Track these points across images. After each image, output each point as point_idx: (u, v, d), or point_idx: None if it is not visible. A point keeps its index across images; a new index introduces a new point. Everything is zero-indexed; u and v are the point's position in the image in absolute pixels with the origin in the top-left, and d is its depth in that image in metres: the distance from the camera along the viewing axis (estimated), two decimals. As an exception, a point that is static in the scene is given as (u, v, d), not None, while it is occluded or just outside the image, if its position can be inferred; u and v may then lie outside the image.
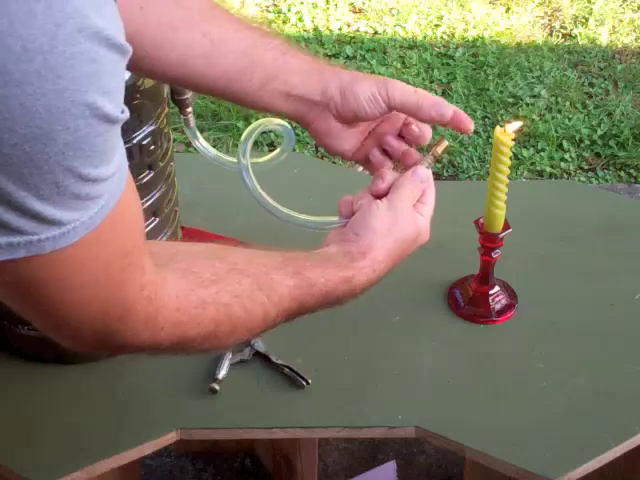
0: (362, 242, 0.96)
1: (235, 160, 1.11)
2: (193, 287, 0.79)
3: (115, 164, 0.62)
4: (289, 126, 1.12)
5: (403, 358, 1.20)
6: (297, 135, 2.77)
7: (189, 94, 1.13)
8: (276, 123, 1.12)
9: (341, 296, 0.95)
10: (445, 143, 1.05)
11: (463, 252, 1.31)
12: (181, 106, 1.15)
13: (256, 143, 2.73)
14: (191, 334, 0.80)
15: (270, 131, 1.15)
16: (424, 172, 1.02)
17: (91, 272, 0.66)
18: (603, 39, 3.27)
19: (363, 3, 3.45)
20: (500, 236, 1.21)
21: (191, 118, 1.17)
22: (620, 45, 3.26)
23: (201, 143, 1.19)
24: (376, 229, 0.97)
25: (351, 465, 1.79)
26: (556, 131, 2.79)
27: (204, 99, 2.86)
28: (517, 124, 1.13)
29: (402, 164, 1.03)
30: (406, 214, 0.99)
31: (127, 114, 0.62)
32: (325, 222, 1.06)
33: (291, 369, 1.16)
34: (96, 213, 0.62)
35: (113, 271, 0.68)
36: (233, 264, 0.85)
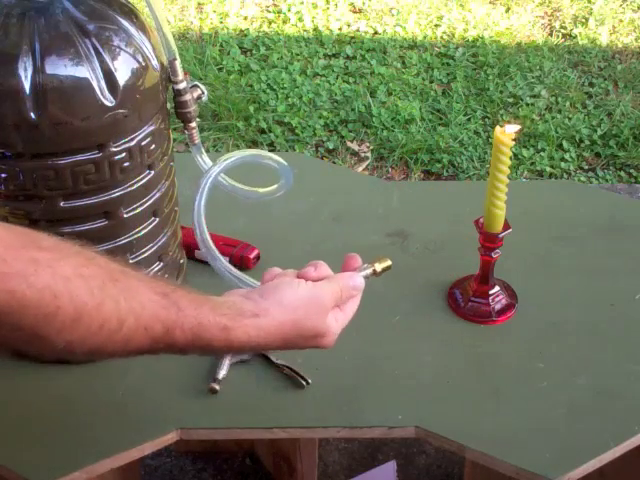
0: (260, 305, 0.90)
1: (236, 184, 1.11)
2: (24, 244, 0.69)
3: None
4: (286, 164, 1.12)
5: (403, 358, 1.20)
6: (296, 135, 2.77)
7: (192, 107, 1.12)
8: (274, 160, 1.11)
9: (215, 343, 0.86)
10: (388, 262, 1.06)
11: (463, 252, 1.31)
12: (184, 120, 1.13)
13: (255, 143, 2.73)
14: (20, 293, 0.69)
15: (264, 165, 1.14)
16: (360, 281, 1.00)
17: None
18: (603, 39, 3.27)
19: (363, 3, 3.45)
20: (500, 236, 1.21)
21: (195, 134, 1.14)
22: (620, 45, 3.25)
23: (204, 160, 1.16)
24: (282, 301, 0.91)
25: (351, 465, 1.79)
26: (556, 131, 2.79)
27: (204, 99, 2.86)
28: (515, 127, 1.13)
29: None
30: (321, 307, 0.94)
31: None
32: (243, 279, 1.03)
33: (291, 369, 1.16)
34: None
35: None
36: (81, 250, 0.75)
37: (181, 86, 1.10)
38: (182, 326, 0.83)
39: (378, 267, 1.06)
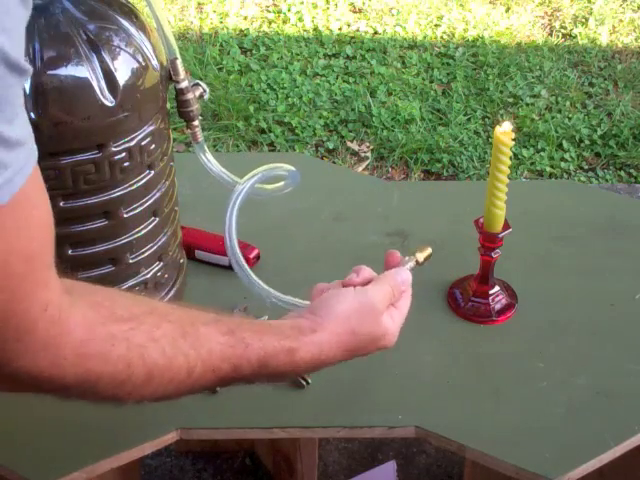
0: (316, 320, 0.90)
1: (238, 179, 1.12)
2: (103, 320, 0.71)
3: (21, 131, 0.58)
4: (294, 169, 1.14)
5: (403, 358, 1.20)
6: (296, 135, 2.77)
7: (194, 106, 1.12)
8: (284, 169, 1.15)
9: (282, 368, 0.86)
10: (429, 250, 1.04)
11: (463, 252, 1.31)
12: (187, 118, 1.13)
13: (255, 143, 2.73)
14: (97, 371, 0.71)
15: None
16: (407, 275, 0.99)
17: None
18: (603, 39, 3.27)
19: (363, 3, 3.45)
20: (500, 236, 1.21)
21: (198, 132, 1.14)
22: (620, 45, 3.26)
23: (208, 159, 1.16)
24: (337, 312, 0.91)
25: (351, 465, 1.79)
26: (556, 131, 2.79)
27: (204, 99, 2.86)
28: (509, 125, 1.13)
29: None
30: (376, 310, 0.93)
31: (29, 69, 0.58)
32: (294, 302, 1.03)
33: (291, 369, 1.16)
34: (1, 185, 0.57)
35: (13, 275, 0.61)
36: (153, 308, 0.77)
37: (183, 85, 1.10)
38: (249, 359, 0.83)
39: (420, 257, 1.04)
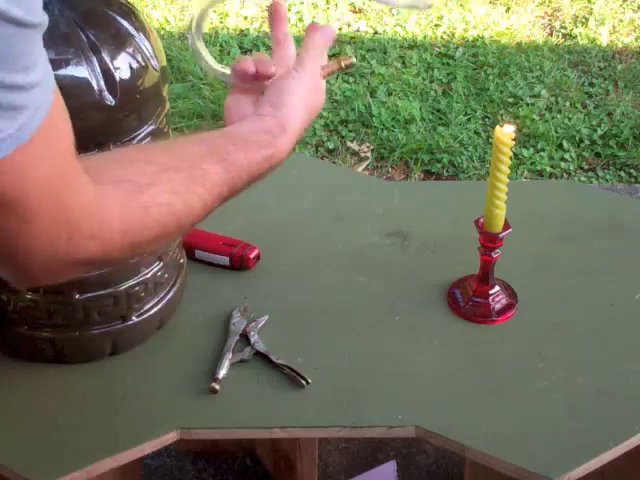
0: (282, 116, 0.97)
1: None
2: (132, 194, 0.80)
3: (37, 74, 0.64)
4: None
5: (403, 358, 1.20)
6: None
7: None
8: None
9: (263, 173, 0.97)
10: (352, 59, 1.05)
11: (463, 252, 1.31)
12: None
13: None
14: (139, 239, 0.82)
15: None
16: (329, 31, 1.03)
17: (33, 190, 0.68)
18: (603, 39, 3.27)
19: (363, 3, 3.45)
20: (500, 236, 1.21)
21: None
22: (620, 45, 3.25)
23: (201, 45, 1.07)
24: (295, 105, 0.98)
25: (351, 465, 1.79)
26: (556, 131, 2.79)
27: (204, 99, 2.86)
28: (511, 127, 1.13)
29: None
30: (320, 83, 1.01)
31: (43, 20, 0.64)
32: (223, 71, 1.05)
33: (291, 369, 1.16)
34: (24, 123, 0.64)
35: (53, 190, 0.70)
36: (163, 164, 0.86)
37: None
38: (240, 177, 0.93)
39: (342, 63, 1.03)
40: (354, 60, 1.05)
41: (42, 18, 0.64)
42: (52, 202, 0.70)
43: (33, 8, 0.63)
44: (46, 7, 0.98)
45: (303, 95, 0.98)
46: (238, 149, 0.93)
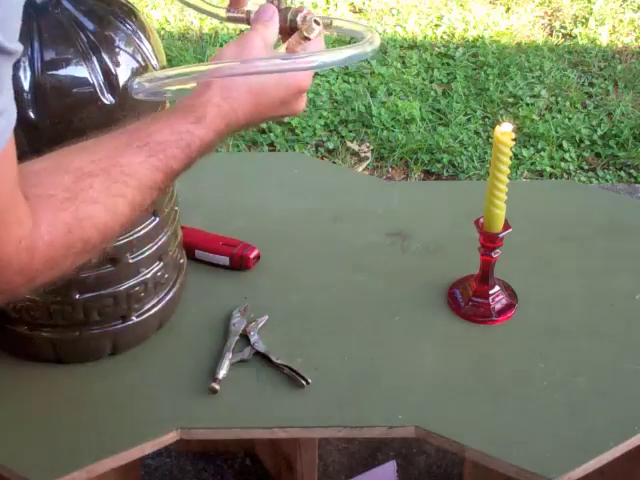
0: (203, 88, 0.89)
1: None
2: (55, 212, 0.76)
3: (3, 101, 0.64)
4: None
5: (403, 358, 1.20)
6: (296, 135, 2.77)
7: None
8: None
9: (205, 139, 0.87)
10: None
11: (463, 252, 1.31)
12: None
13: (255, 143, 2.73)
14: (63, 262, 0.78)
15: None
16: (270, 10, 0.95)
17: None
18: (603, 39, 3.27)
19: (363, 3, 3.45)
20: (500, 236, 1.21)
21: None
22: (620, 45, 3.25)
23: None
24: (220, 57, 0.90)
25: (351, 465, 1.79)
26: (556, 131, 2.79)
27: (204, 99, 2.86)
28: (509, 126, 1.13)
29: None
30: (256, 43, 0.91)
31: (18, 50, 0.63)
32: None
33: (291, 369, 1.16)
34: None
35: None
36: (79, 171, 0.80)
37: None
38: (174, 156, 0.85)
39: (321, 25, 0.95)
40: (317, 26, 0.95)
41: (18, 48, 0.63)
42: None
43: (12, 36, 0.62)
44: (47, 7, 0.98)
45: (234, 54, 0.89)
46: (160, 126, 0.85)
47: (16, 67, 0.95)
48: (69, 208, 0.77)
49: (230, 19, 1.00)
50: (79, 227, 0.78)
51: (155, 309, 1.19)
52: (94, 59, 0.99)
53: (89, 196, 0.79)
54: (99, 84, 0.99)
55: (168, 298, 1.21)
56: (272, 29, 0.95)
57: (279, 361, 1.17)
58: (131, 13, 1.06)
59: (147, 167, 0.83)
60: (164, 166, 0.84)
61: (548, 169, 2.68)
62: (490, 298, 1.26)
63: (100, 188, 0.80)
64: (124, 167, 0.82)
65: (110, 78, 1.00)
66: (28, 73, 0.96)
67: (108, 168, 0.81)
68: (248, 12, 0.99)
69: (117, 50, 1.01)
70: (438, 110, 2.88)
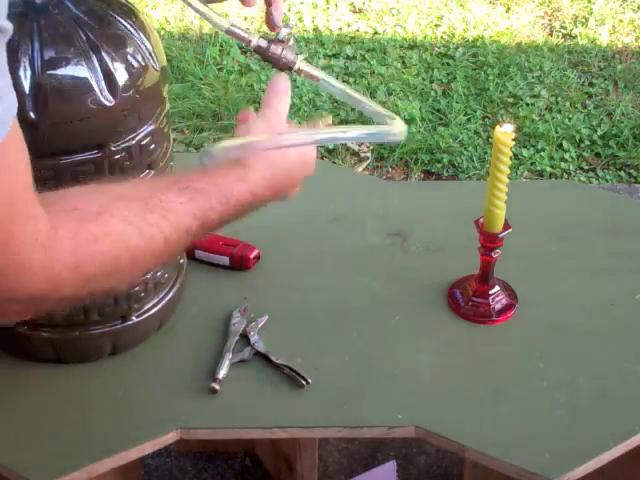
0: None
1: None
2: (82, 224, 0.76)
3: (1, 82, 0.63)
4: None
5: (403, 358, 1.20)
6: (297, 135, 2.76)
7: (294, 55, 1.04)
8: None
9: (242, 199, 0.90)
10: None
11: (463, 252, 1.31)
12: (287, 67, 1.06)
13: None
14: (89, 273, 0.76)
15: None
16: (283, 81, 1.04)
17: None
18: (603, 39, 3.27)
19: (363, 3, 3.45)
20: (500, 236, 1.21)
21: (307, 67, 1.06)
22: (620, 45, 3.25)
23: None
24: (249, 132, 0.96)
25: (351, 465, 1.79)
26: (556, 131, 2.79)
27: (204, 99, 2.86)
28: (510, 126, 1.13)
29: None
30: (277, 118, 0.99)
31: (6, 27, 0.62)
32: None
33: (291, 369, 1.16)
34: None
35: (3, 220, 0.67)
36: (116, 193, 0.81)
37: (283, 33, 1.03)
38: (212, 207, 0.86)
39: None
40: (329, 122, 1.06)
41: (8, 26, 0.62)
42: (1, 232, 0.67)
43: (1, 13, 0.62)
44: (47, 7, 0.98)
45: (264, 130, 0.95)
46: (202, 175, 0.87)
47: (16, 67, 0.96)
48: (97, 220, 0.76)
49: (230, 32, 1.00)
50: (107, 241, 0.77)
51: (155, 309, 1.19)
52: (94, 59, 0.99)
53: (122, 215, 0.78)
54: (99, 84, 0.99)
55: (168, 298, 1.21)
56: (286, 101, 1.04)
57: (279, 361, 1.17)
58: (131, 13, 1.06)
59: (186, 210, 0.84)
60: (202, 215, 0.85)
61: (548, 169, 2.67)
62: (490, 298, 1.26)
63: (136, 212, 0.79)
64: (164, 202, 0.82)
65: (110, 78, 1.00)
66: (28, 73, 0.96)
67: (147, 199, 0.81)
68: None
69: (117, 50, 1.01)
70: (438, 110, 2.88)
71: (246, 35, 1.01)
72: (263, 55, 1.03)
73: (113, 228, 0.77)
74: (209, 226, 0.87)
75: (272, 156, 0.94)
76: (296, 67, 1.03)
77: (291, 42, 1.03)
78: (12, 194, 0.67)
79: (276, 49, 1.02)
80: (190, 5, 0.97)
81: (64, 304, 0.80)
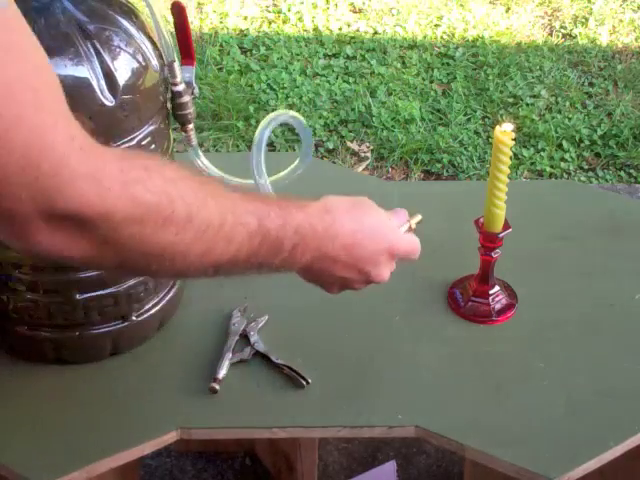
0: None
1: (235, 179, 1.12)
2: (134, 155, 0.75)
3: None
4: (302, 120, 1.16)
5: (403, 358, 1.20)
6: (296, 135, 2.76)
7: (190, 109, 1.13)
8: (290, 115, 1.16)
9: (297, 226, 0.91)
10: (419, 217, 1.11)
11: (463, 252, 1.31)
12: (182, 122, 1.14)
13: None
14: (144, 200, 0.72)
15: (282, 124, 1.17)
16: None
17: None
18: (603, 39, 3.27)
19: (363, 3, 3.45)
20: (500, 236, 1.21)
21: (192, 136, 1.16)
22: (620, 45, 3.26)
23: (203, 162, 1.19)
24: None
25: (351, 465, 1.79)
26: (556, 131, 2.79)
27: (204, 99, 2.86)
28: (510, 126, 1.13)
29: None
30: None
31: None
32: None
33: (291, 369, 1.16)
34: None
35: (21, 103, 0.62)
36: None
37: (180, 88, 1.10)
38: (270, 214, 0.87)
39: (412, 224, 1.10)
40: (421, 217, 1.11)
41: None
42: (23, 120, 0.62)
43: None
44: (47, 7, 0.98)
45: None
46: (265, 197, 0.94)
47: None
48: (153, 161, 0.75)
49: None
50: (161, 178, 0.74)
51: (155, 309, 1.19)
52: (94, 59, 0.99)
53: (181, 172, 0.77)
54: (99, 84, 0.99)
55: (168, 298, 1.21)
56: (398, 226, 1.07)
57: (279, 361, 1.17)
58: (131, 13, 1.06)
59: (246, 208, 0.84)
60: (261, 213, 0.86)
61: (548, 169, 2.68)
62: (490, 298, 1.26)
63: (197, 187, 0.79)
64: (225, 197, 0.83)
65: (110, 78, 1.00)
66: (28, 73, 0.96)
67: (210, 189, 0.81)
68: None
69: (117, 50, 1.01)
70: (438, 110, 2.88)
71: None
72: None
73: (165, 172, 0.76)
74: (266, 232, 0.87)
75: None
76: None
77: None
78: (28, 78, 0.63)
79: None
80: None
81: (125, 256, 0.75)
